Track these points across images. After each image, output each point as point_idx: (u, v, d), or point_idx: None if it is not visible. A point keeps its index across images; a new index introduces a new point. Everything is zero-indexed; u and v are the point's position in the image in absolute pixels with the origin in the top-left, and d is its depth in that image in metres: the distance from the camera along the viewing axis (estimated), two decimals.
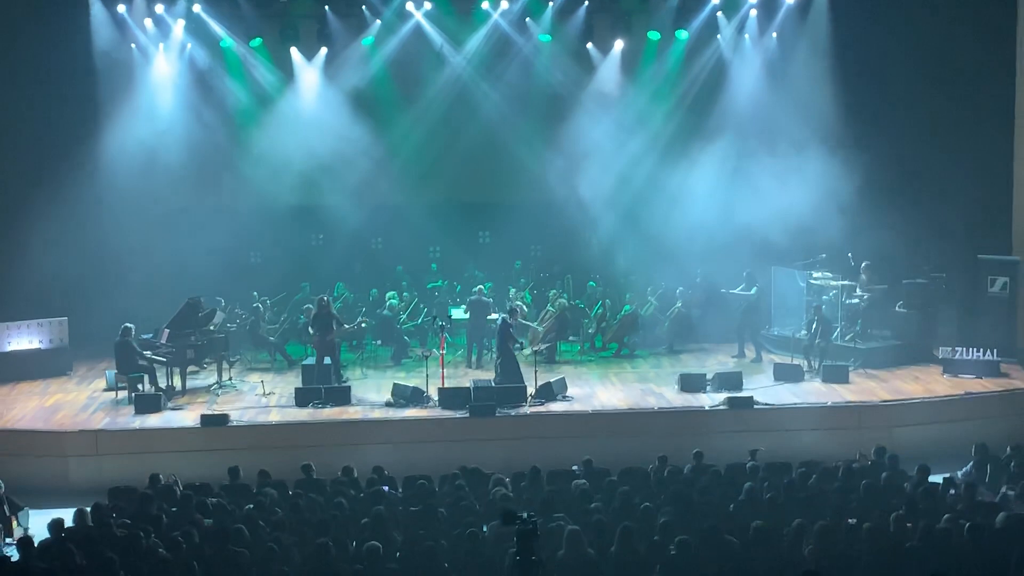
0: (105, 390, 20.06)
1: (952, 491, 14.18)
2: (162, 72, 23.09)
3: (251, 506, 13.68)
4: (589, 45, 24.18)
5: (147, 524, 12.90)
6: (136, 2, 22.54)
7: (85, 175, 22.28)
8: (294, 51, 23.66)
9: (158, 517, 13.23)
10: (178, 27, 22.79)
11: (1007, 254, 22.01)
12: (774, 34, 23.77)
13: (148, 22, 22.68)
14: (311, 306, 21.28)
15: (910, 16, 22.29)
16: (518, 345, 19.74)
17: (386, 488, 14.72)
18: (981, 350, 20.29)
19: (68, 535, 12.72)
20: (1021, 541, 11.92)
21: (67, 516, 13.29)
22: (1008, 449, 15.86)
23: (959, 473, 15.52)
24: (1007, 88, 22.20)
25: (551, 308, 22.42)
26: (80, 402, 19.57)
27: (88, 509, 13.45)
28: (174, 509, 13.89)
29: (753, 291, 21.89)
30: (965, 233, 22.49)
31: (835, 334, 21.25)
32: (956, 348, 20.50)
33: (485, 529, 12.65)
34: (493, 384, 19.36)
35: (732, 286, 22.15)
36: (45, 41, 22.19)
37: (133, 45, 22.83)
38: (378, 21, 23.44)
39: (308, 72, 23.85)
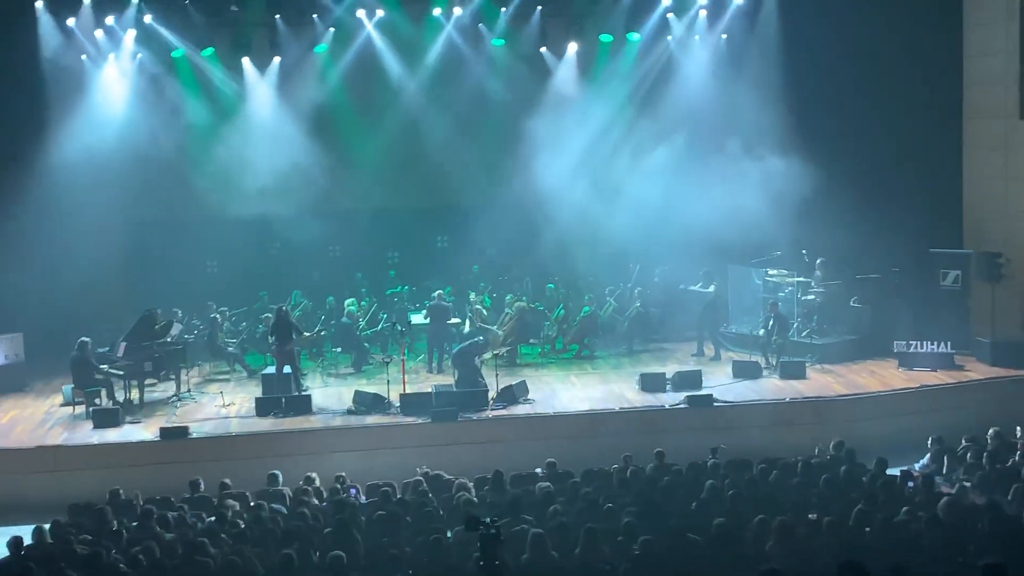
0: (62, 405, 19.86)
1: (910, 483, 14.35)
2: (114, 83, 22.82)
3: (212, 519, 13.61)
4: (543, 49, 24.26)
5: (107, 540, 12.81)
6: (86, 13, 22.19)
7: (36, 188, 21.97)
8: (246, 61, 23.54)
9: (118, 533, 13.13)
10: (129, 37, 22.48)
11: (958, 247, 22.31)
12: (723, 35, 23.90)
13: (99, 33, 22.40)
14: (270, 315, 21.21)
15: (859, 15, 22.48)
16: (479, 362, 19.85)
17: (353, 491, 14.74)
18: (935, 343, 20.53)
19: (28, 553, 12.60)
20: (978, 531, 12.09)
21: (26, 534, 13.17)
22: (963, 440, 16.07)
23: (917, 465, 15.72)
24: (955, 85, 22.54)
25: (510, 311, 22.45)
26: (37, 418, 19.38)
27: (47, 526, 13.34)
28: (134, 524, 13.79)
29: (711, 288, 22.03)
30: (917, 227, 22.73)
31: (792, 330, 21.43)
32: (911, 341, 20.72)
33: (449, 535, 12.65)
34: (455, 389, 19.37)
35: (690, 285, 22.27)
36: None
37: (84, 56, 22.51)
38: (331, 29, 23.39)
39: (261, 81, 23.74)
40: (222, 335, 21.88)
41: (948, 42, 22.52)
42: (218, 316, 21.95)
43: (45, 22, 22.02)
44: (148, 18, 22.22)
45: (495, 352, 20.90)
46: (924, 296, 21.99)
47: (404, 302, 23.54)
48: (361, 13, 23.16)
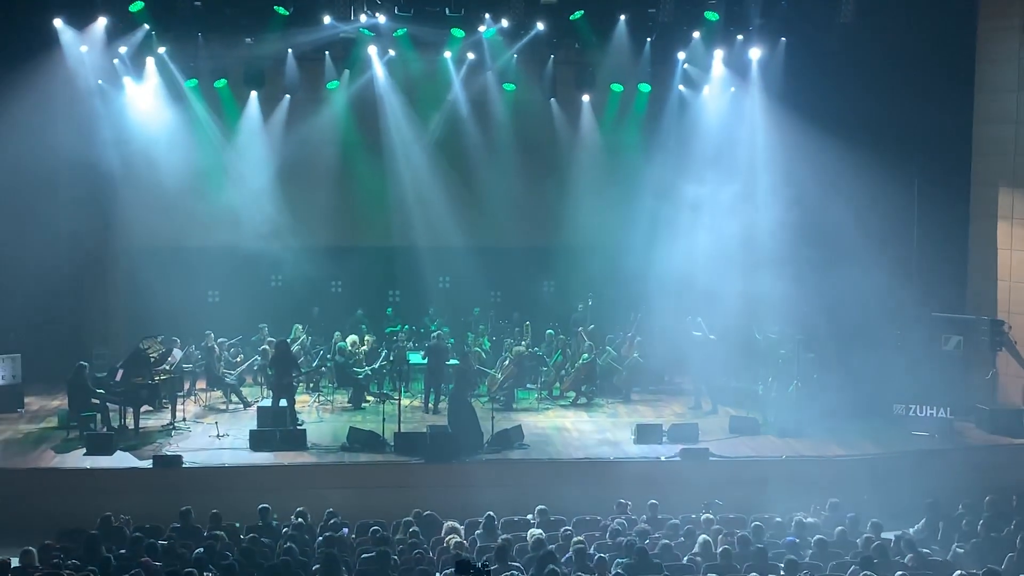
0: (57, 428, 19.79)
1: (906, 548, 14.24)
2: (128, 110, 22.81)
3: (201, 550, 13.53)
4: (552, 100, 24.39)
5: (95, 566, 12.72)
6: (100, 37, 22.16)
7: (41, 212, 21.96)
8: (254, 95, 23.66)
9: (106, 559, 13.05)
10: (145, 66, 22.53)
11: (962, 313, 22.28)
12: (732, 89, 23.91)
13: (115, 61, 22.40)
14: (268, 347, 21.17)
15: (870, 78, 22.56)
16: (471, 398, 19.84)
17: (344, 531, 14.66)
18: (934, 407, 20.45)
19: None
20: None
21: (14, 557, 13.08)
22: (960, 507, 15.99)
23: (911, 530, 15.61)
24: (965, 151, 22.60)
25: (508, 355, 22.38)
26: (31, 440, 19.30)
27: (35, 550, 13.26)
28: (123, 551, 13.72)
29: (713, 337, 21.94)
30: (921, 291, 22.72)
31: (791, 388, 21.35)
32: (910, 405, 20.65)
33: None
34: (450, 430, 19.30)
35: (695, 330, 22.20)
36: (12, 79, 21.70)
37: (100, 81, 22.50)
38: (347, 71, 23.55)
39: (271, 113, 23.86)
40: (220, 365, 21.82)
41: (959, 108, 22.58)
42: (215, 346, 21.88)
43: (66, 45, 21.84)
44: (162, 49, 22.22)
45: (492, 395, 20.86)
46: (925, 360, 21.90)
47: (403, 340, 23.47)
48: (372, 50, 23.27)
